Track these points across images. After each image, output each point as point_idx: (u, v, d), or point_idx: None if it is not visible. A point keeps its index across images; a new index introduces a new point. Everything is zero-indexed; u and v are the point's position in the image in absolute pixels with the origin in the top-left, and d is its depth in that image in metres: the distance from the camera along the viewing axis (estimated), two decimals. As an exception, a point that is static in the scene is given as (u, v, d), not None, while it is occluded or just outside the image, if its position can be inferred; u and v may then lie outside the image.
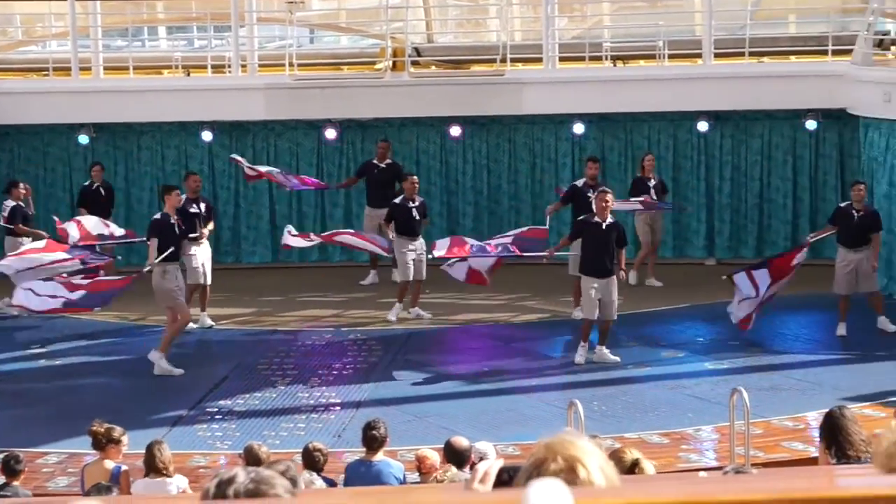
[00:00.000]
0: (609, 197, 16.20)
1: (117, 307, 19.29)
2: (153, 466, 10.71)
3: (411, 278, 18.27)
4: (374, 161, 20.30)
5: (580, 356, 16.17)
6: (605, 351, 16.24)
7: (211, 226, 18.46)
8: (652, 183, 19.61)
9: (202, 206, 18.18)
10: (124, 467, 10.94)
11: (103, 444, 10.98)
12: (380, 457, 11.08)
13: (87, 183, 20.34)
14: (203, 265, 17.98)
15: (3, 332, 18.35)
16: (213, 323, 18.13)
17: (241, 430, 14.18)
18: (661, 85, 20.28)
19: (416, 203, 18.51)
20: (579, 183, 18.65)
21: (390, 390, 15.54)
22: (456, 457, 10.48)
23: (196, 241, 17.74)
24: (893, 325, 17.04)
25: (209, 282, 18.13)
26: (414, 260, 18.25)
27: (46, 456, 13.47)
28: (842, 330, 16.99)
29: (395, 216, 18.42)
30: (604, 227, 16.09)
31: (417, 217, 18.50)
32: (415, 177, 18.96)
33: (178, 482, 10.83)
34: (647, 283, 19.81)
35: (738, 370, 15.88)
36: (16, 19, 23.60)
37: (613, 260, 16.17)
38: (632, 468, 6.73)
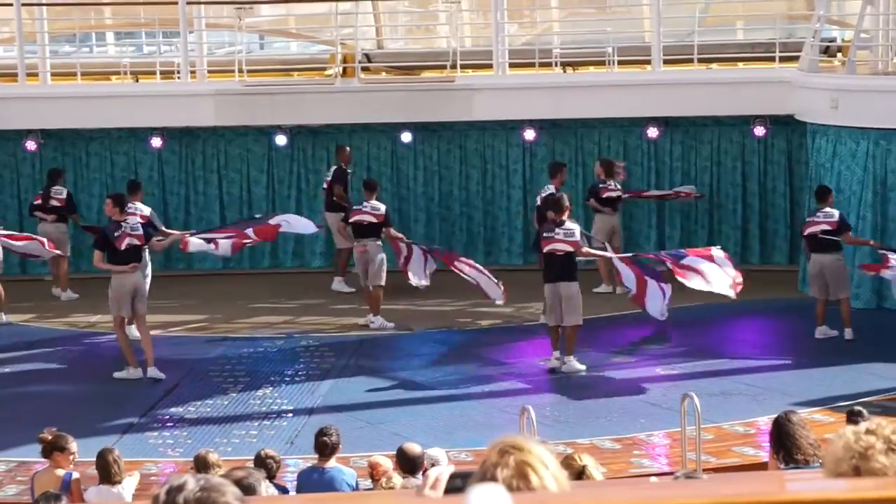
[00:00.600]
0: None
1: (65, 313, 19.19)
2: (108, 474, 10.65)
3: (384, 283, 18.31)
4: (343, 166, 20.32)
5: (552, 362, 16.24)
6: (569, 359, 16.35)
7: None
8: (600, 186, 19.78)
9: None
10: (75, 475, 10.87)
11: (52, 452, 10.91)
12: (332, 463, 11.07)
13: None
14: None
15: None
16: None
17: (193, 437, 14.13)
18: (611, 91, 20.36)
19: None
20: (552, 188, 18.58)
21: (343, 397, 15.52)
22: (408, 463, 10.48)
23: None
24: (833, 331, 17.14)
25: None
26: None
27: (-5, 464, 13.39)
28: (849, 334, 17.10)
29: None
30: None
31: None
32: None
33: (127, 484, 10.80)
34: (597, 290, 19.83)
35: (689, 376, 15.95)
36: (-38, 25, 23.42)
37: None
38: (580, 474, 6.76)
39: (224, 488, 3.63)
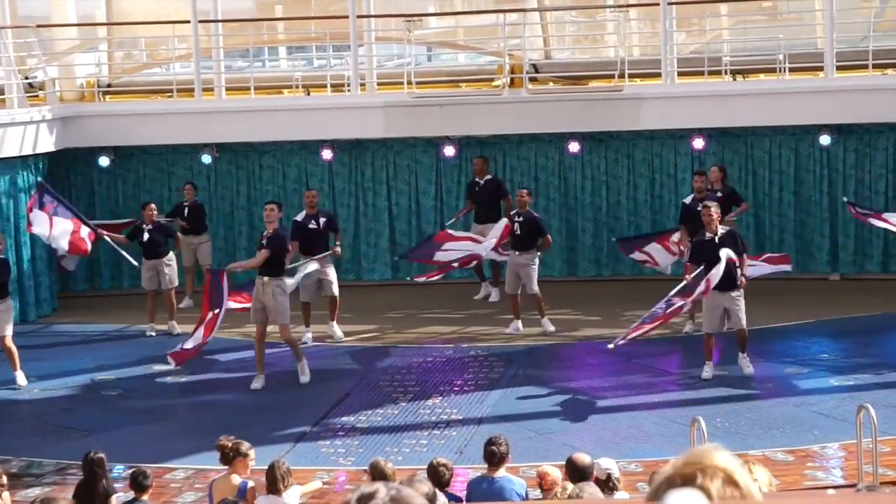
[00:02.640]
0: (713, 210, 16.11)
1: (240, 323, 19.57)
2: (275, 488, 10.80)
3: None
4: (476, 179, 20.47)
5: (707, 372, 16.12)
6: (745, 360, 16.14)
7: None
8: (718, 195, 19.10)
9: (321, 220, 18.51)
10: (251, 483, 11.02)
11: (231, 458, 11.09)
12: (501, 473, 11.07)
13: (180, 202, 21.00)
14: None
15: (130, 349, 18.67)
16: (342, 334, 18.63)
17: (364, 446, 14.28)
18: (782, 98, 20.06)
19: (521, 218, 18.51)
20: (687, 200, 18.56)
21: (511, 406, 15.55)
22: (578, 473, 10.44)
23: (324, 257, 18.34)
24: None
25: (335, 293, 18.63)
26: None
27: (174, 471, 13.69)
28: None
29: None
30: (716, 240, 16.01)
31: (519, 232, 18.47)
32: (523, 190, 18.97)
33: (292, 492, 10.94)
34: None
35: (863, 387, 15.63)
36: (140, 42, 24.02)
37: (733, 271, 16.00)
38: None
39: (414, 499, 3.66)
